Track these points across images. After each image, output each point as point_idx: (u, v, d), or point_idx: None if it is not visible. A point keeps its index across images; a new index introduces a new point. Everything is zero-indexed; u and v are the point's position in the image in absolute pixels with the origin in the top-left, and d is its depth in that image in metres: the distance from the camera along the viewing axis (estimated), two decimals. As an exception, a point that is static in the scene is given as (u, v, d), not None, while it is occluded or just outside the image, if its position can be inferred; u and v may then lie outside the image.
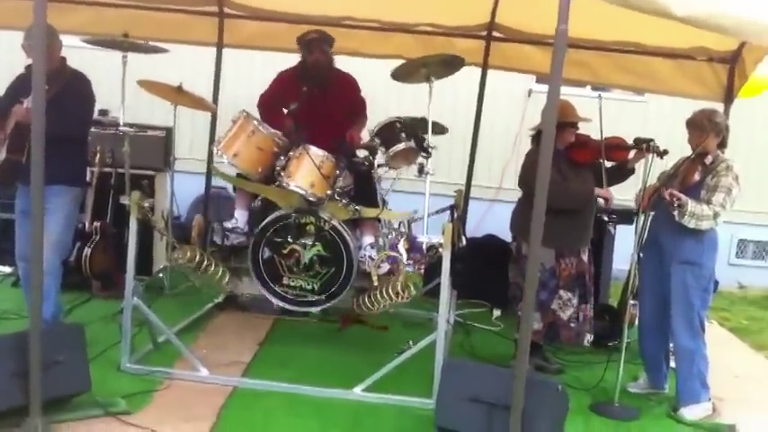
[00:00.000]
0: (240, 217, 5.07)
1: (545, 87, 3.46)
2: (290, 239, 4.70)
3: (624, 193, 5.69)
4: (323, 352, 5.10)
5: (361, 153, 5.03)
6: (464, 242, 5.63)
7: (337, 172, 4.69)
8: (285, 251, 4.73)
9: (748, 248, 8.93)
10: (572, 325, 4.88)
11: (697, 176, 4.48)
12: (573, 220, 4.84)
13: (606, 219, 6.05)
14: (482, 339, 5.68)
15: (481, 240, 6.61)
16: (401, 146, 4.71)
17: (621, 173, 5.06)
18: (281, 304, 4.86)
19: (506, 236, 5.25)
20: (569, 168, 4.87)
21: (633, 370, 4.94)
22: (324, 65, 5.43)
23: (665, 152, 4.61)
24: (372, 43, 6.58)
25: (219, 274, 4.91)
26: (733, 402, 4.78)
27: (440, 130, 5.60)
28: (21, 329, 3.77)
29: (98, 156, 5.88)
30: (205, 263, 4.84)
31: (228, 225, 5.02)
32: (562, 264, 4.85)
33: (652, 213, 4.58)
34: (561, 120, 4.50)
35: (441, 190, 6.07)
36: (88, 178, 5.58)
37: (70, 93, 4.64)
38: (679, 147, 4.65)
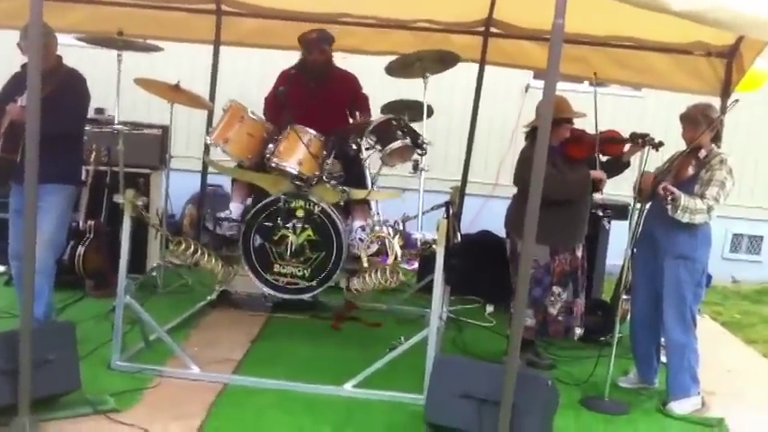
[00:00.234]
0: (234, 209, 5.11)
1: (543, 83, 3.44)
2: (279, 223, 4.72)
3: (619, 188, 5.69)
4: (315, 349, 5.09)
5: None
6: (459, 238, 5.63)
7: (325, 152, 4.71)
8: (276, 237, 4.75)
9: (742, 243, 8.92)
10: (560, 319, 4.87)
11: (691, 170, 4.46)
12: (568, 216, 4.83)
13: (601, 214, 6.03)
14: (474, 335, 5.66)
15: (475, 236, 6.60)
16: (397, 143, 4.71)
17: (617, 166, 5.04)
18: (273, 293, 4.89)
19: (502, 232, 5.23)
20: (564, 164, 4.85)
21: (624, 364, 4.93)
22: (322, 63, 5.49)
23: (661, 144, 4.60)
24: (370, 40, 6.59)
25: (213, 262, 4.95)
26: (724, 396, 4.77)
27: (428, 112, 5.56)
28: (12, 328, 3.75)
29: (93, 154, 5.87)
30: (198, 252, 4.87)
31: (222, 215, 5.06)
32: (556, 260, 4.84)
33: (647, 207, 4.56)
34: (556, 116, 4.48)
35: (437, 186, 6.07)
36: (83, 177, 5.59)
37: (65, 91, 4.63)
38: (676, 142, 4.64)
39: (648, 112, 8.02)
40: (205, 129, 6.57)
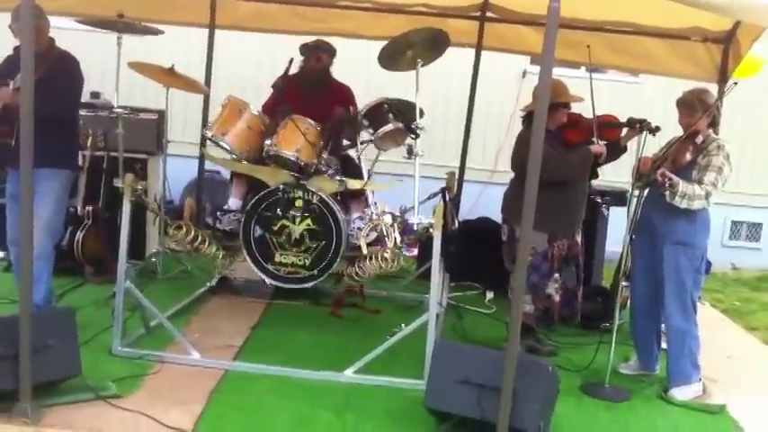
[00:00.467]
0: (234, 205, 5.17)
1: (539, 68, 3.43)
2: (279, 213, 4.74)
3: (618, 175, 5.70)
4: (315, 335, 5.10)
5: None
6: (457, 225, 5.63)
7: (322, 143, 4.74)
8: (275, 227, 4.78)
9: (742, 230, 8.94)
10: (562, 305, 4.89)
11: (688, 156, 4.45)
12: (566, 202, 4.83)
13: (599, 200, 6.04)
14: (474, 322, 5.67)
15: (474, 223, 6.60)
16: (389, 127, 4.72)
17: (614, 151, 5.04)
18: (274, 283, 4.91)
19: (500, 218, 5.23)
20: (563, 149, 4.84)
21: (625, 351, 4.95)
22: (318, 72, 5.58)
23: (658, 129, 4.60)
24: (367, 25, 6.55)
25: (213, 251, 4.97)
26: (725, 383, 4.79)
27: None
28: (12, 314, 3.74)
29: (90, 139, 5.83)
30: (199, 239, 4.89)
31: (222, 208, 5.12)
32: (555, 247, 4.84)
33: (645, 193, 4.56)
34: (553, 100, 4.47)
35: (434, 173, 6.06)
36: (80, 162, 5.56)
37: (58, 73, 4.60)
38: (673, 127, 4.63)
39: (646, 98, 8.00)
40: (201, 114, 6.57)
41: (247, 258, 4.87)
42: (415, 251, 6.64)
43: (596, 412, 4.26)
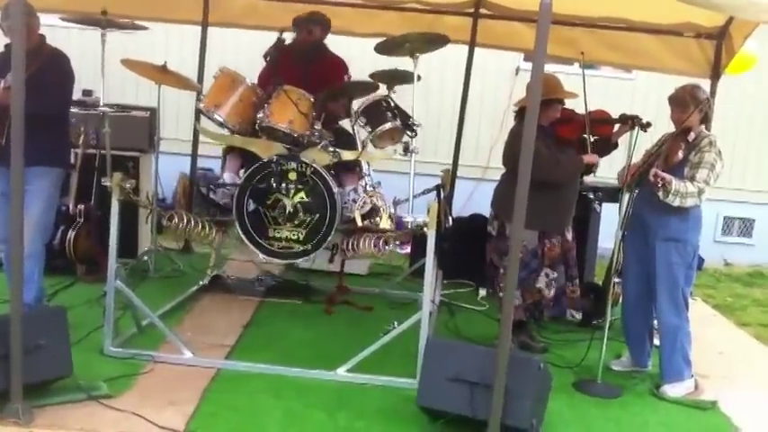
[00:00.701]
0: (228, 179, 5.14)
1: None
2: (273, 185, 4.73)
3: (611, 171, 5.68)
4: (308, 333, 5.09)
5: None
6: (450, 222, 5.62)
7: (314, 113, 4.73)
8: (269, 201, 4.77)
9: (734, 226, 8.97)
10: (552, 303, 4.90)
11: (680, 155, 4.44)
12: (557, 200, 4.83)
13: (591, 197, 6.04)
14: (467, 319, 5.67)
15: (467, 220, 6.59)
16: (387, 125, 4.70)
17: (605, 147, 5.04)
18: (269, 258, 4.90)
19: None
20: (555, 145, 4.84)
21: (617, 348, 4.96)
22: (309, 44, 5.50)
23: (648, 125, 4.59)
24: (359, 22, 6.56)
25: (207, 230, 4.99)
26: (717, 379, 4.80)
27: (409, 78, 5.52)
28: (2, 313, 3.73)
29: (82, 137, 5.82)
30: (192, 223, 4.90)
31: (216, 183, 5.11)
32: (547, 244, 4.85)
33: (636, 191, 4.56)
34: (546, 96, 4.47)
35: (428, 169, 6.06)
36: (72, 160, 5.55)
37: (49, 71, 4.58)
38: (666, 124, 4.64)
39: (639, 94, 8.03)
40: (194, 112, 6.54)
41: (240, 233, 4.84)
42: (408, 248, 6.64)
43: (588, 409, 4.26)
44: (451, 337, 5.18)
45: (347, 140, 5.03)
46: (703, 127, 4.54)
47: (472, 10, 6.49)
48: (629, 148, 4.48)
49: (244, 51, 7.54)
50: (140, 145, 6.39)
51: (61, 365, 3.85)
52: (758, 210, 8.89)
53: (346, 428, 3.79)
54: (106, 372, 4.15)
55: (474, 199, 7.45)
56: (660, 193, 4.29)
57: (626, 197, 4.54)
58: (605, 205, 6.09)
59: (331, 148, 4.77)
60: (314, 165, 4.72)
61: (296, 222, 4.75)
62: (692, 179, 4.34)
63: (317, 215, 4.73)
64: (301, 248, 4.79)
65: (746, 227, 8.99)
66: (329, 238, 4.76)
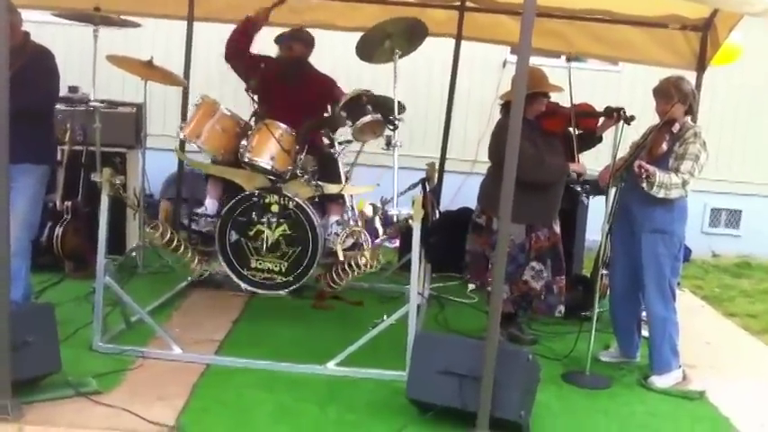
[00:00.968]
0: (210, 206, 5.11)
1: (518, 58, 3.44)
2: (254, 218, 4.72)
3: (597, 164, 5.71)
4: (297, 328, 5.09)
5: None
6: (437, 215, 5.64)
7: (297, 147, 4.71)
8: (251, 233, 4.75)
9: (721, 217, 9.01)
10: (542, 296, 4.91)
11: (665, 146, 4.47)
12: (544, 194, 4.85)
13: (579, 189, 6.06)
14: (456, 312, 5.69)
15: (456, 213, 6.60)
16: (367, 118, 4.68)
17: (590, 140, 5.06)
18: (251, 289, 4.88)
19: (481, 209, 5.24)
20: (541, 139, 4.85)
21: (605, 339, 4.99)
22: (292, 61, 5.44)
23: (632, 118, 4.60)
24: (343, 15, 6.53)
25: (189, 255, 4.96)
26: (704, 369, 4.84)
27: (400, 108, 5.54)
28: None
29: (68, 133, 5.79)
30: (175, 242, 4.86)
31: (198, 211, 5.07)
32: (533, 237, 4.86)
33: (623, 183, 4.57)
34: (532, 89, 4.48)
35: (415, 164, 6.07)
36: (59, 156, 5.52)
37: (34, 67, 4.54)
38: (653, 116, 4.65)
39: (626, 87, 8.05)
40: (180, 107, 6.53)
41: (223, 264, 4.84)
42: (397, 242, 6.64)
43: (577, 400, 4.28)
44: (441, 330, 5.21)
45: (331, 168, 5.04)
46: (688, 118, 4.56)
47: (458, 3, 6.49)
48: (615, 143, 4.48)
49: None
50: (127, 141, 6.36)
51: (50, 362, 3.84)
52: (745, 201, 8.93)
53: (337, 422, 3.80)
54: (95, 368, 4.14)
55: (462, 192, 7.45)
56: (644, 185, 4.31)
57: (612, 190, 4.56)
58: (593, 198, 6.12)
59: (314, 182, 4.76)
60: (296, 198, 4.71)
61: (278, 254, 4.74)
62: (677, 171, 4.36)
63: (300, 248, 4.73)
64: (283, 280, 4.79)
65: (734, 218, 9.04)
66: (311, 270, 4.77)
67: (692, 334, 5.07)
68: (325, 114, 5.22)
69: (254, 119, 5.06)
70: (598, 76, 8.19)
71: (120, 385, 4.02)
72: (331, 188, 4.84)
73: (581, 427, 4.00)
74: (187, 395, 3.95)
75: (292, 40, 5.46)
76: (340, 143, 5.01)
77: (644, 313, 4.73)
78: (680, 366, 4.57)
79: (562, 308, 4.97)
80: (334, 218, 5.04)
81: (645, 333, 4.77)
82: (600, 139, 5.11)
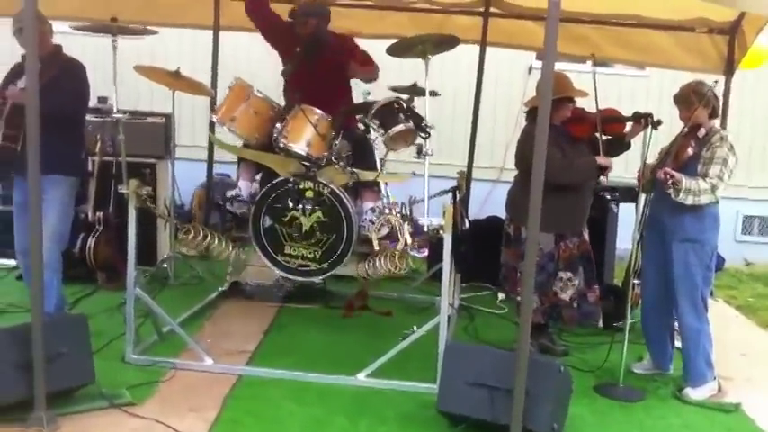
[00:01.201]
0: (243, 187, 5.09)
1: (543, 63, 3.42)
2: (290, 205, 4.72)
3: (626, 171, 5.66)
4: (327, 339, 5.10)
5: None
6: (467, 225, 5.61)
7: (333, 133, 4.70)
8: (286, 219, 4.75)
9: (754, 224, 8.87)
10: (575, 305, 4.86)
11: (690, 151, 4.39)
12: (572, 201, 4.81)
13: (608, 197, 6.01)
14: (487, 323, 5.66)
15: (484, 222, 6.57)
16: (400, 127, 4.65)
17: (618, 146, 5.00)
18: (284, 274, 4.89)
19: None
20: (568, 144, 4.81)
21: (638, 350, 4.92)
22: (308, 37, 5.30)
23: (659, 122, 4.56)
24: (368, 23, 6.55)
25: (223, 247, 4.96)
26: (739, 381, 4.77)
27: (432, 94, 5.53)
28: (24, 322, 3.75)
29: (98, 144, 5.84)
30: (208, 238, 4.88)
31: (231, 193, 5.04)
32: (562, 246, 4.82)
33: (652, 194, 4.53)
34: (557, 95, 4.45)
35: (443, 172, 6.04)
36: (89, 168, 5.57)
37: (65, 77, 4.61)
38: (681, 122, 4.60)
39: (653, 92, 7.97)
40: (209, 117, 6.56)
41: (257, 249, 4.83)
42: (426, 252, 6.63)
43: (610, 412, 4.24)
44: (471, 340, 5.19)
45: (366, 154, 5.01)
46: (714, 122, 4.51)
47: (482, 9, 6.47)
48: (644, 147, 4.45)
49: (256, 54, 7.58)
50: (156, 152, 6.42)
51: (83, 373, 3.89)
52: (778, 207, 8.80)
53: (368, 434, 3.80)
54: (128, 379, 4.19)
55: (490, 201, 7.43)
56: (671, 192, 4.26)
57: (642, 197, 4.52)
58: (622, 205, 6.06)
59: (349, 169, 4.73)
60: (331, 185, 4.70)
61: (312, 241, 4.73)
62: (705, 176, 4.30)
63: (334, 235, 4.71)
64: (317, 267, 4.78)
65: (767, 225, 8.90)
66: (346, 258, 4.76)
67: (726, 345, 5.00)
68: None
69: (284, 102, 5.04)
70: (625, 81, 8.13)
71: (153, 397, 4.05)
72: (366, 175, 4.80)
73: (616, 440, 3.97)
74: (219, 406, 3.98)
75: (308, 15, 5.31)
76: (374, 129, 4.97)
77: (676, 324, 4.67)
78: (715, 378, 4.51)
79: (600, 317, 4.92)
80: (368, 204, 5.01)
81: (678, 344, 4.70)
82: (628, 146, 5.06)
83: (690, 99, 4.43)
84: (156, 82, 5.70)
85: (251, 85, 4.92)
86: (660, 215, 4.50)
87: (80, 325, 3.98)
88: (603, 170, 4.80)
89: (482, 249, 5.84)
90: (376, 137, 4.99)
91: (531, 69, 8.15)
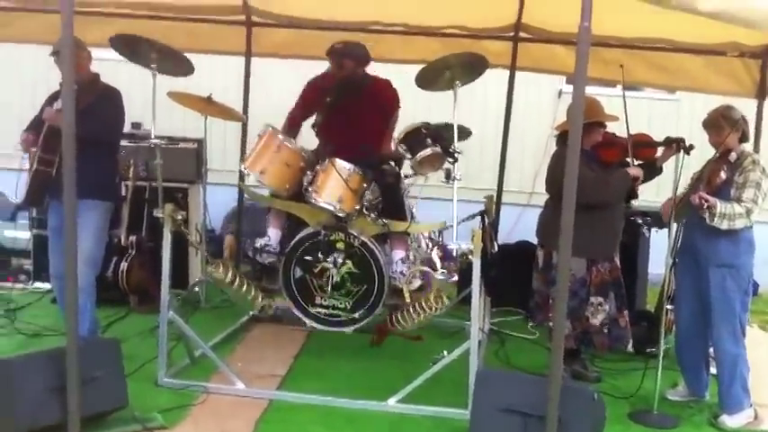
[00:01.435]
0: (273, 236, 5.08)
1: (573, 87, 3.42)
2: (320, 257, 4.73)
3: (658, 196, 5.62)
4: (358, 363, 5.10)
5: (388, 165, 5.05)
6: (496, 248, 5.60)
7: (365, 185, 4.70)
8: (316, 270, 4.76)
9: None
10: (605, 331, 4.82)
11: (723, 175, 4.36)
12: (604, 226, 4.78)
13: (640, 221, 5.96)
14: (518, 348, 5.63)
15: (514, 247, 6.55)
16: (427, 151, 4.67)
17: (649, 171, 4.97)
18: (315, 325, 4.88)
19: (538, 242, 5.20)
20: (599, 169, 4.79)
21: (672, 377, 4.85)
22: (343, 77, 5.25)
23: (692, 147, 4.56)
24: (399, 48, 6.59)
25: (252, 293, 4.96)
26: (776, 409, 4.69)
27: (465, 134, 5.54)
28: (58, 345, 3.79)
29: (131, 169, 5.92)
30: (237, 281, 4.88)
31: (260, 243, 5.03)
32: (594, 271, 4.79)
33: (684, 220, 4.50)
34: (588, 119, 4.44)
35: (472, 196, 6.04)
36: (123, 192, 5.64)
37: (102, 104, 4.68)
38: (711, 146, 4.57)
39: (684, 116, 7.91)
40: (240, 142, 6.64)
41: (287, 300, 4.85)
42: (456, 276, 6.60)
43: (645, 440, 4.19)
44: (502, 366, 5.15)
45: (397, 202, 5.00)
46: (745, 146, 4.48)
47: (512, 34, 6.49)
48: (676, 172, 4.43)
49: (287, 81, 7.65)
50: (189, 176, 6.50)
51: (117, 397, 3.92)
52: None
53: (399, 460, 3.79)
54: (160, 402, 4.21)
55: (520, 225, 7.40)
56: (706, 217, 4.23)
57: (674, 224, 4.49)
58: (654, 230, 6.02)
59: (381, 221, 4.72)
60: (362, 237, 4.70)
61: (343, 292, 4.74)
62: (739, 200, 4.28)
63: (365, 286, 4.72)
64: (348, 317, 4.79)
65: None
66: (377, 309, 4.76)
67: (761, 371, 4.89)
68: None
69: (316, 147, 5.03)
70: (655, 106, 8.08)
71: (185, 420, 4.07)
72: (397, 226, 4.80)
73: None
74: (250, 430, 3.98)
75: (344, 56, 5.22)
76: (406, 176, 4.96)
77: (711, 350, 4.61)
78: (751, 405, 4.44)
79: (630, 342, 4.87)
80: (398, 254, 4.99)
81: (713, 370, 4.64)
82: (660, 171, 5.03)
83: (719, 124, 4.43)
84: (190, 108, 5.76)
85: (280, 133, 4.86)
86: (694, 240, 4.47)
87: (113, 349, 4.03)
88: (635, 181, 4.78)
89: (512, 274, 5.83)
90: (407, 187, 5.01)
91: (560, 93, 8.16)
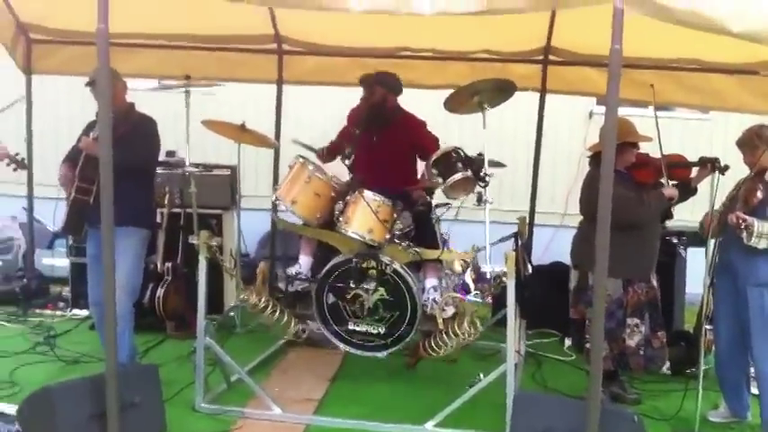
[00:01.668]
0: (304, 263, 5.16)
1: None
2: (352, 285, 4.76)
3: (693, 215, 5.58)
4: (394, 387, 5.09)
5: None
6: (530, 270, 5.57)
7: (395, 215, 4.73)
8: (349, 296, 4.79)
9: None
10: (641, 352, 4.77)
11: (759, 195, 4.33)
12: (640, 245, 4.75)
13: (676, 241, 5.91)
14: (554, 370, 5.59)
15: (548, 268, 6.52)
16: (458, 176, 4.68)
17: (684, 192, 4.94)
18: (348, 349, 4.89)
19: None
20: (633, 190, 4.77)
21: (713, 398, 4.79)
22: (375, 106, 5.34)
23: (726, 167, 4.53)
24: (429, 74, 6.61)
25: (285, 320, 4.98)
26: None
27: (498, 165, 5.53)
28: (98, 372, 3.82)
29: (167, 196, 5.99)
30: (270, 308, 4.91)
31: (292, 271, 5.10)
32: (630, 291, 4.75)
33: (720, 239, 4.46)
34: (621, 140, 4.43)
35: (505, 218, 6.03)
36: (158, 219, 5.72)
37: (137, 133, 4.75)
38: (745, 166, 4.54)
39: (718, 135, 7.84)
40: (272, 168, 6.70)
41: (321, 325, 4.88)
42: (490, 298, 6.57)
43: (687, 462, 4.13)
44: (539, 388, 5.11)
45: (428, 229, 5.02)
46: None
47: (541, 57, 6.50)
48: (712, 192, 4.41)
49: (318, 107, 7.74)
50: (223, 203, 6.55)
51: (155, 423, 3.95)
52: None
53: (438, 484, 3.77)
54: (198, 428, 4.26)
55: (553, 246, 7.36)
56: (744, 236, 4.19)
57: (712, 242, 4.45)
58: (690, 250, 5.96)
59: (412, 249, 4.75)
60: (394, 264, 4.73)
61: (376, 317, 4.77)
62: (776, 219, 4.23)
63: (398, 312, 4.74)
64: (381, 342, 4.81)
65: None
66: (410, 336, 4.78)
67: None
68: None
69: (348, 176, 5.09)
70: (687, 126, 8.02)
71: (223, 446, 4.09)
72: (428, 254, 4.82)
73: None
74: (288, 456, 4.00)
75: (375, 84, 5.35)
76: (437, 206, 4.98)
77: (752, 369, 4.54)
78: (795, 426, 4.37)
79: (667, 363, 4.81)
80: (431, 282, 5.01)
81: (754, 390, 4.57)
82: (695, 191, 5.00)
83: (753, 143, 4.41)
84: (223, 135, 5.83)
85: (311, 164, 4.92)
86: (731, 260, 4.43)
87: (152, 375, 4.06)
88: (671, 200, 4.75)
89: (548, 295, 5.80)
90: (438, 216, 5.04)
91: (591, 114, 8.13)
